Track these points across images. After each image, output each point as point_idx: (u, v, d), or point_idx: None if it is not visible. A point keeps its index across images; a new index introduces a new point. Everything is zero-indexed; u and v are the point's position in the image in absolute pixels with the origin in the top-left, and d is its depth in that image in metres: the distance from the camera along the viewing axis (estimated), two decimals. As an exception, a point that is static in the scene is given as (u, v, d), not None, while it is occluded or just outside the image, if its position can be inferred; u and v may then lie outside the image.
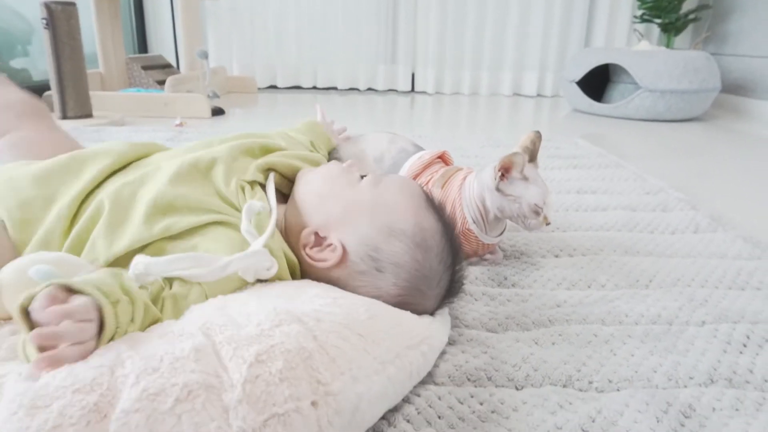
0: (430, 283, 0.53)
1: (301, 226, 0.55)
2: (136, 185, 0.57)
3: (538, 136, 0.74)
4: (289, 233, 0.56)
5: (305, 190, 0.59)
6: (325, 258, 0.52)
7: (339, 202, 0.56)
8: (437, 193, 0.76)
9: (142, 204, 0.54)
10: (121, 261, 0.50)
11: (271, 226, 0.52)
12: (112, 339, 0.36)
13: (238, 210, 0.54)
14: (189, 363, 0.33)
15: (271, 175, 0.62)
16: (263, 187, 0.60)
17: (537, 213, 0.70)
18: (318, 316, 0.40)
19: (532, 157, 0.74)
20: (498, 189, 0.71)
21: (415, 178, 0.80)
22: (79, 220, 0.55)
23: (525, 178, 0.71)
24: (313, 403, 0.35)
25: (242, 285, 0.49)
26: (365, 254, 0.51)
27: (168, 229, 0.52)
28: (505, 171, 0.71)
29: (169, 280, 0.46)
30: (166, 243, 0.52)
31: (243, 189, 0.57)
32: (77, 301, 0.35)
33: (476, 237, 0.74)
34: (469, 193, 0.74)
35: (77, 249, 0.53)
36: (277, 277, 0.50)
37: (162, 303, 0.44)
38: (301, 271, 0.54)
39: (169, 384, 0.31)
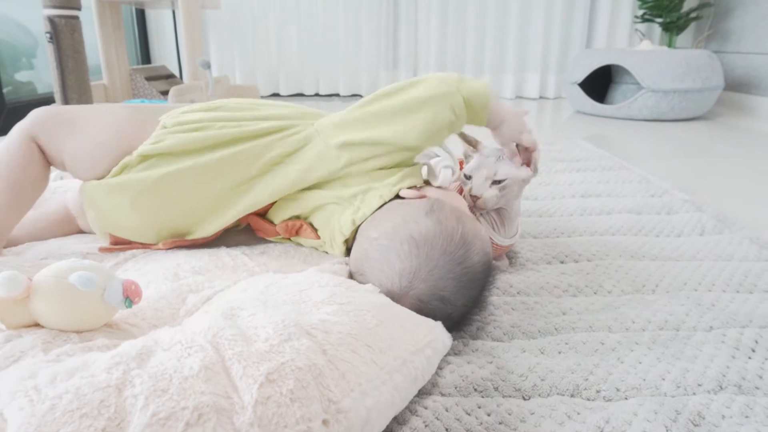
0: (431, 258, 0.57)
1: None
2: None
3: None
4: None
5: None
6: (409, 191, 0.67)
7: (448, 196, 0.69)
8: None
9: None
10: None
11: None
12: None
13: None
14: (199, 383, 0.33)
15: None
16: None
17: (463, 183, 0.76)
18: (326, 327, 0.40)
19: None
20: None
21: None
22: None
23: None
24: (324, 422, 0.35)
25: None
26: (430, 205, 0.63)
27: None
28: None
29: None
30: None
31: None
32: None
33: (490, 239, 0.74)
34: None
35: None
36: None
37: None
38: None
39: (180, 407, 0.31)
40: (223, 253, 0.58)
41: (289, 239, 0.72)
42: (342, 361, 0.38)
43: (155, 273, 0.52)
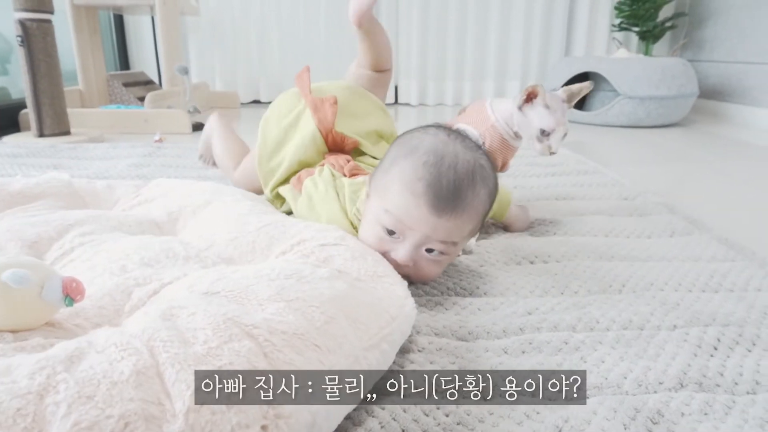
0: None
1: None
2: None
3: (589, 87, 0.92)
4: None
5: None
6: None
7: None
8: (458, 118, 0.97)
9: None
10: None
11: None
12: None
13: None
14: (128, 389, 0.31)
15: None
16: None
17: (540, 140, 0.87)
18: (270, 326, 0.38)
19: (570, 99, 0.90)
20: (519, 109, 0.88)
21: None
22: None
23: (546, 107, 0.86)
24: (263, 428, 0.33)
25: None
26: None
27: None
28: (529, 96, 0.88)
29: None
30: None
31: None
32: None
33: (501, 134, 0.92)
34: (502, 105, 0.92)
35: None
36: None
37: None
38: None
39: (104, 416, 0.29)
40: (175, 243, 0.56)
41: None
42: (284, 364, 0.36)
43: (102, 266, 0.50)
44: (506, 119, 0.92)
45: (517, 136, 0.92)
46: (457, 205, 0.62)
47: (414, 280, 0.68)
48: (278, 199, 0.91)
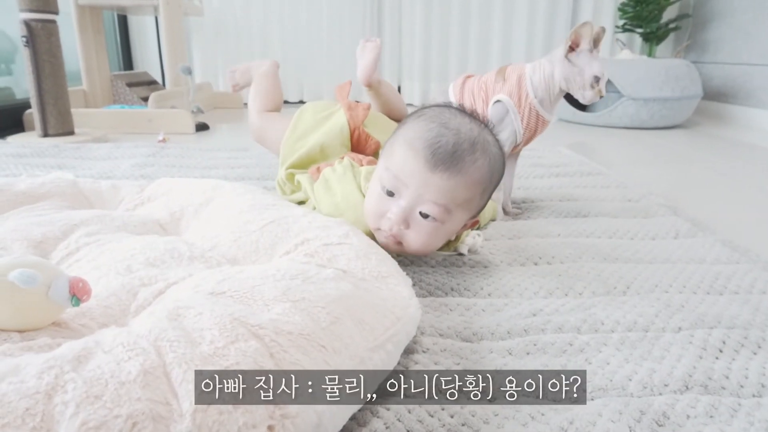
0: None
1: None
2: None
3: (602, 30, 0.90)
4: None
5: None
6: None
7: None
8: (499, 85, 0.95)
9: None
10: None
11: None
12: None
13: None
14: (135, 389, 0.31)
15: None
16: None
17: (593, 87, 0.87)
18: (276, 326, 0.38)
19: (596, 45, 0.90)
20: (567, 58, 0.88)
21: (462, 97, 1.00)
22: None
23: (591, 50, 0.87)
24: (270, 428, 0.33)
25: None
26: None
27: None
28: (574, 44, 0.87)
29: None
30: None
31: None
32: None
33: (537, 111, 0.92)
34: (539, 73, 0.91)
35: None
36: None
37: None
38: None
39: (112, 416, 0.29)
40: (179, 243, 0.57)
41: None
42: (291, 364, 0.36)
43: (108, 266, 0.50)
44: (548, 87, 0.92)
45: (554, 103, 0.94)
46: (452, 164, 0.63)
47: (407, 249, 0.69)
48: (290, 181, 0.93)
